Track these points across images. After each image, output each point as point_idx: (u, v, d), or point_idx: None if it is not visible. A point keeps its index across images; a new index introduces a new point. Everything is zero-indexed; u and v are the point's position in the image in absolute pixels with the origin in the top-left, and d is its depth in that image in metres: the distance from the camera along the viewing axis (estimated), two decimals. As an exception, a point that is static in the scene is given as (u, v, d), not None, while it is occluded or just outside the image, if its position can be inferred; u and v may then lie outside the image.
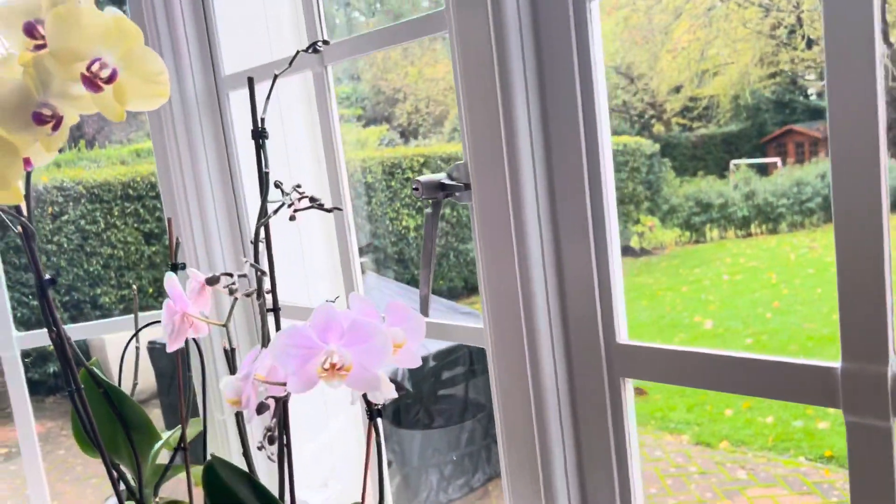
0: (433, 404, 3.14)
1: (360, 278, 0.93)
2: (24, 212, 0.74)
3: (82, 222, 5.17)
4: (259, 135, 0.75)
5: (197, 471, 0.92)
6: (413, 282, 6.37)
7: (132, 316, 1.11)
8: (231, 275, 0.66)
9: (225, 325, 0.75)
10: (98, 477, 3.86)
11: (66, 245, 5.09)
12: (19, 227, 0.77)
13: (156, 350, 3.66)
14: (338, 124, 0.89)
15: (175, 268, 0.91)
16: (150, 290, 5.43)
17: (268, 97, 0.76)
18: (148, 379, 4.54)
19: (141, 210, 5.35)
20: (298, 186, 0.79)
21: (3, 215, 0.73)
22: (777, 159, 9.39)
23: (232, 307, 0.78)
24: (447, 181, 0.74)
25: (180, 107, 1.01)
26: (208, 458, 0.76)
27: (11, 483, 3.82)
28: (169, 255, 0.91)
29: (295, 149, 1.15)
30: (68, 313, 5.11)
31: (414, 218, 6.42)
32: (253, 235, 0.94)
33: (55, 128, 0.63)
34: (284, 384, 0.58)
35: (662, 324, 5.33)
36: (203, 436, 0.94)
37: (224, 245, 1.06)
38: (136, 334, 0.97)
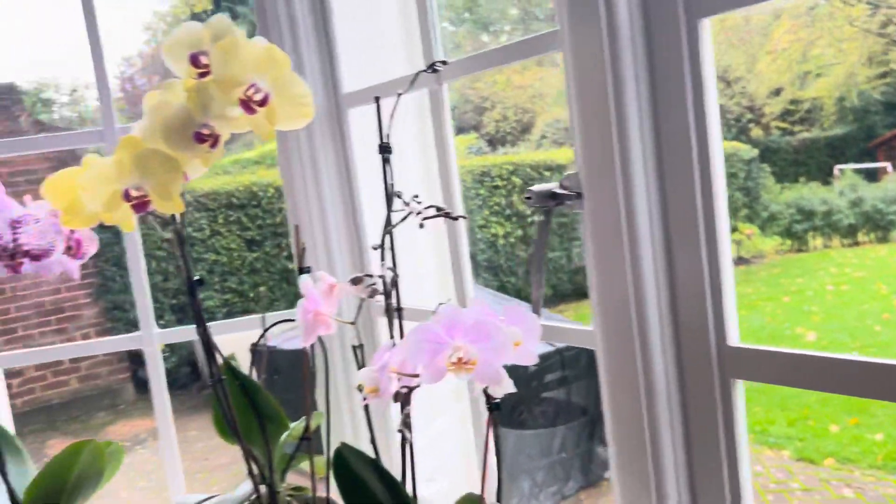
0: (530, 407, 3.16)
1: (471, 283, 0.98)
2: (178, 219, 0.83)
3: (189, 229, 5.48)
4: (385, 149, 0.82)
5: (317, 460, 1.00)
6: (502, 289, 6.40)
7: (251, 317, 1.20)
8: (371, 276, 0.72)
9: (353, 323, 0.82)
10: (210, 467, 4.08)
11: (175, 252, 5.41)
12: (167, 235, 0.87)
13: (260, 352, 3.82)
14: (452, 138, 0.95)
15: (301, 271, 0.99)
16: (251, 295, 5.68)
17: (391, 114, 0.83)
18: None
19: (244, 218, 5.62)
20: (416, 197, 0.86)
21: (155, 223, 0.82)
22: (887, 164, 8.90)
23: (360, 307, 0.84)
24: (559, 190, 0.78)
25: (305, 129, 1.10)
26: (333, 447, 0.83)
27: (142, 468, 4.10)
28: (297, 260, 0.99)
29: (401, 160, 1.22)
30: (175, 316, 5.42)
31: (503, 226, 6.46)
32: (373, 242, 1.01)
33: (213, 145, 0.71)
34: (416, 375, 0.64)
35: (763, 335, 5.15)
36: (326, 426, 1.02)
37: (343, 251, 1.13)
38: (264, 332, 1.05)
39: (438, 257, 1.18)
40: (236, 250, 5.58)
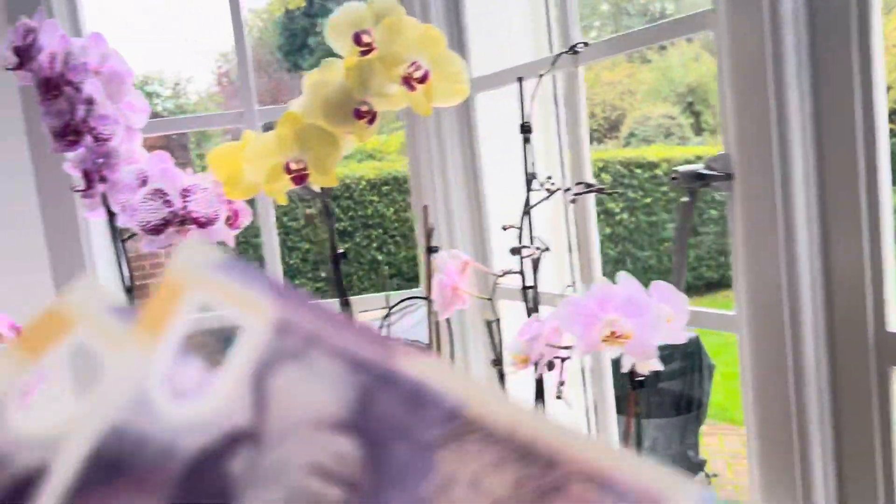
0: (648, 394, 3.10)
1: (599, 264, 0.98)
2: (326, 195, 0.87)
3: (284, 219, 5.66)
4: (526, 129, 0.83)
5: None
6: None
7: (375, 294, 1.24)
8: (528, 247, 0.74)
9: (489, 299, 0.84)
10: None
11: (271, 239, 5.61)
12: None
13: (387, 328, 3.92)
14: (586, 122, 0.95)
15: (430, 251, 1.02)
16: (346, 282, 5.83)
17: (533, 96, 0.84)
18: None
19: (336, 210, 5.77)
20: (550, 178, 0.87)
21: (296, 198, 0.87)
22: None
23: (494, 284, 0.86)
24: (705, 171, 0.77)
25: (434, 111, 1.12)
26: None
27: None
28: (426, 239, 1.02)
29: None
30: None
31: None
32: (496, 224, 1.02)
33: (370, 122, 0.74)
34: (567, 347, 0.65)
35: None
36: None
37: (465, 234, 1.15)
38: (391, 309, 1.09)
39: (554, 242, 1.18)
40: (327, 240, 5.74)
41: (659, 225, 6.43)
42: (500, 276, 0.85)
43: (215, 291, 0.21)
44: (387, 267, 5.94)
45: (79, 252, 1.12)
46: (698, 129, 9.67)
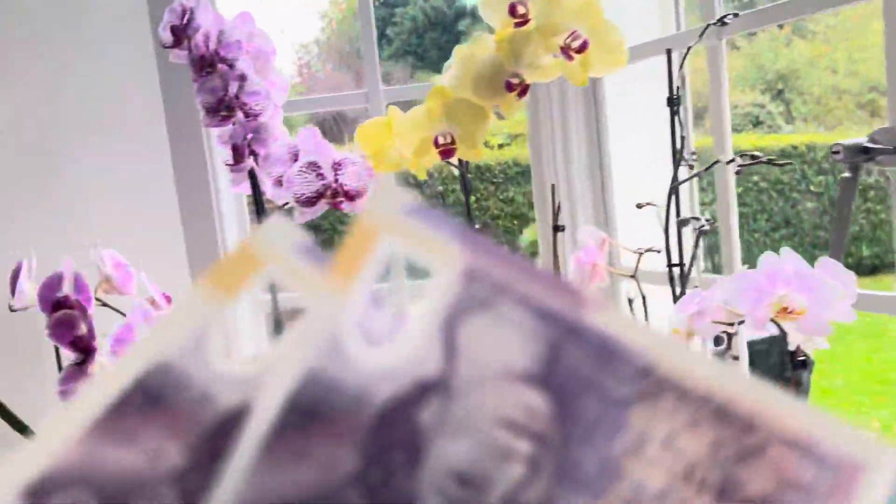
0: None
1: (738, 244, 0.96)
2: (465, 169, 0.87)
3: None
4: (673, 102, 0.81)
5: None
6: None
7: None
8: (698, 219, 0.73)
9: (633, 276, 0.82)
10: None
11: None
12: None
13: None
14: (727, 96, 0.92)
15: (556, 230, 1.01)
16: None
17: (680, 67, 0.82)
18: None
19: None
20: (693, 154, 0.85)
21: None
22: None
23: (638, 260, 0.85)
24: (870, 145, 0.74)
25: (557, 86, 1.11)
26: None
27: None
28: (553, 218, 1.02)
29: (643, 122, 1.21)
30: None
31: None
32: (622, 204, 1.00)
33: (521, 94, 0.74)
34: (732, 324, 0.63)
35: None
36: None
37: (586, 210, 1.14)
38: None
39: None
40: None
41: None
42: (643, 252, 0.84)
43: (407, 237, 0.20)
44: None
45: (212, 230, 1.17)
46: (789, 118, 9.28)
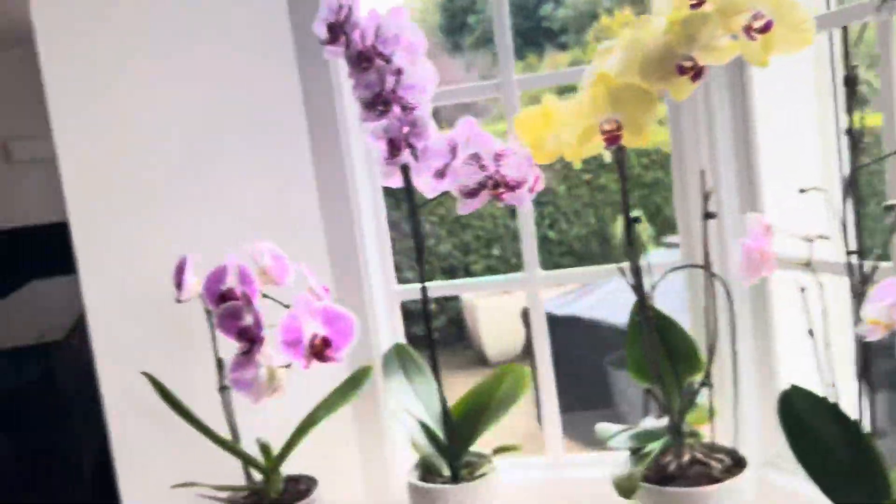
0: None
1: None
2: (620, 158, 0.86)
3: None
4: (850, 82, 0.77)
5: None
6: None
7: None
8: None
9: (808, 264, 0.79)
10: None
11: (446, 217, 5.74)
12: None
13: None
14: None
15: (707, 216, 0.98)
16: (513, 261, 5.85)
17: (855, 43, 0.78)
18: (516, 341, 4.97)
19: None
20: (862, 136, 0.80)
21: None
22: None
23: (811, 248, 0.81)
24: None
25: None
26: (784, 388, 0.81)
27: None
28: (703, 204, 0.99)
29: (790, 108, 1.15)
30: (446, 276, 5.76)
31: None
32: (771, 191, 0.96)
33: (695, 77, 0.72)
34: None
35: None
36: (733, 372, 1.01)
37: (732, 196, 1.11)
38: (662, 276, 1.06)
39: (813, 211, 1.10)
40: (500, 218, 5.78)
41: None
42: (812, 239, 0.80)
43: None
44: (558, 245, 5.89)
45: (349, 223, 1.19)
46: None
